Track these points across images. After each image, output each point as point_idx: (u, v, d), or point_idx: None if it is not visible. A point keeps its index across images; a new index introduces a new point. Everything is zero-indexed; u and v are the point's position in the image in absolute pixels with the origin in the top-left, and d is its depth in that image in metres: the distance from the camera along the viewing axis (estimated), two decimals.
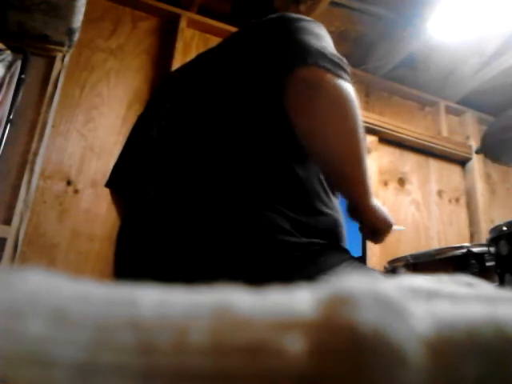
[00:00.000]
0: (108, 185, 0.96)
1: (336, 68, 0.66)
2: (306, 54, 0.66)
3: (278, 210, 0.66)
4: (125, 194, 0.93)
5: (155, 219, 0.71)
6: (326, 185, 0.76)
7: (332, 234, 0.72)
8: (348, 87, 0.67)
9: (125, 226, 0.80)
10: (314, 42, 0.69)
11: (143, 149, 0.88)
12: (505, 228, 1.14)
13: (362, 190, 0.70)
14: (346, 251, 0.73)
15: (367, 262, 2.16)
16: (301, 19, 0.76)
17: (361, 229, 0.78)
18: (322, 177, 0.76)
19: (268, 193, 0.68)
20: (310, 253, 0.65)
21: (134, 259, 0.73)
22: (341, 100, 0.65)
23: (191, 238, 0.66)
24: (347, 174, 0.69)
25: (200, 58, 0.90)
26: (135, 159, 0.91)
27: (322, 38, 0.72)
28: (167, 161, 0.78)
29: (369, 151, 2.42)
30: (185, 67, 0.95)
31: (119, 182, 0.95)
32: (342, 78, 0.66)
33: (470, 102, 2.85)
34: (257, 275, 0.61)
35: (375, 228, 0.75)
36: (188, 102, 0.82)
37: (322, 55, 0.66)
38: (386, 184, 2.52)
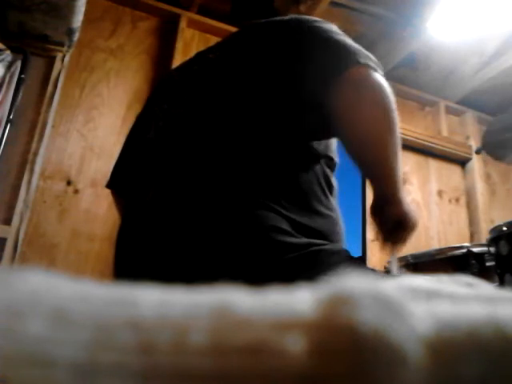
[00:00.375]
0: (108, 186, 0.96)
1: (376, 66, 0.72)
2: (353, 55, 0.71)
3: (276, 210, 0.66)
4: (125, 195, 0.93)
5: (154, 220, 0.71)
6: (324, 186, 0.76)
7: (330, 234, 0.72)
8: (386, 83, 0.73)
9: (124, 227, 0.80)
10: (350, 42, 0.73)
11: (142, 150, 0.88)
12: (505, 228, 1.14)
13: (394, 179, 0.71)
14: (346, 251, 0.72)
15: (367, 262, 2.16)
16: (317, 20, 0.78)
17: (382, 225, 0.74)
18: (321, 178, 0.76)
19: (266, 193, 0.68)
20: (309, 253, 0.65)
21: (133, 260, 0.73)
22: (384, 94, 0.71)
23: (189, 239, 0.66)
24: (386, 158, 0.70)
25: (200, 57, 0.90)
26: (134, 161, 0.91)
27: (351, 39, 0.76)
28: (165, 162, 0.78)
29: None
30: (183, 67, 0.94)
31: (119, 183, 0.95)
32: (381, 75, 0.72)
33: (470, 101, 2.85)
34: (255, 275, 0.61)
35: (401, 221, 0.72)
36: (186, 103, 0.82)
37: (364, 55, 0.71)
38: None
